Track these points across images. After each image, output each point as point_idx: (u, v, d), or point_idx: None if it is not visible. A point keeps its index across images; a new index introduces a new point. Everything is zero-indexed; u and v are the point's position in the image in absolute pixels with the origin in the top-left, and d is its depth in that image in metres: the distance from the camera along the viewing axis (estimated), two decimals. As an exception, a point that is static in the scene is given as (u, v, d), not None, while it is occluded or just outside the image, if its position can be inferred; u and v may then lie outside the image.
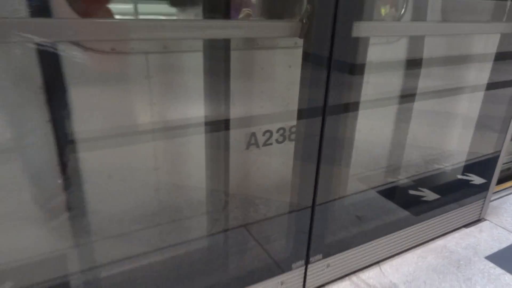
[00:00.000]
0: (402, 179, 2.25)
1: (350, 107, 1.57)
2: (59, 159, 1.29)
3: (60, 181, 1.35)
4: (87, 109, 1.34)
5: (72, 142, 1.33)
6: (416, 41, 1.91)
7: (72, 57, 1.22)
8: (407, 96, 2.09)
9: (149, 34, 1.06)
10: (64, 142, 1.30)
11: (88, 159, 1.39)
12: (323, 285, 1.61)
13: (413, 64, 1.97)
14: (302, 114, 1.32)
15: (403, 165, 2.28)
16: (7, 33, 0.89)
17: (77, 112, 1.30)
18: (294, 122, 1.45)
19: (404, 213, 1.91)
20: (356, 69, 1.52)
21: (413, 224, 1.86)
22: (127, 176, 1.58)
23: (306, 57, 1.22)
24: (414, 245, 1.89)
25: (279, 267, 1.47)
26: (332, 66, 1.22)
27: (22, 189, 1.35)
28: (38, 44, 1.10)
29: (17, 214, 1.36)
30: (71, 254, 1.47)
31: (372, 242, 1.72)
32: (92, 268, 1.47)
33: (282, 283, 1.47)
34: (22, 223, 1.38)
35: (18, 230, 1.37)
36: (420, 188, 2.09)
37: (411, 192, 2.08)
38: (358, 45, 1.40)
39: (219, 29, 1.15)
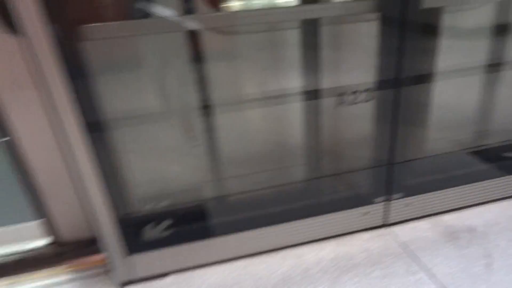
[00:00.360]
0: (496, 142, 2.31)
1: (425, 73, 1.79)
2: (202, 114, 1.84)
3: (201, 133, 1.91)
4: (216, 78, 1.84)
5: (208, 103, 1.85)
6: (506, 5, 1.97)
7: (207, 39, 1.72)
8: (499, 64, 2.14)
9: (261, 20, 1.51)
10: (204, 102, 1.84)
11: (218, 118, 1.90)
12: (403, 221, 1.90)
13: (503, 29, 2.04)
14: (380, 78, 1.62)
15: (496, 130, 2.33)
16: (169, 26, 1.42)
17: (211, 80, 1.82)
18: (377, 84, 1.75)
19: (491, 166, 2.03)
20: (429, 37, 1.74)
21: (500, 177, 1.98)
22: (244, 133, 2.07)
23: (382, 28, 1.52)
24: (499, 197, 2.02)
25: (363, 200, 1.81)
26: (405, 35, 1.50)
27: (175, 139, 1.95)
28: (188, 31, 1.63)
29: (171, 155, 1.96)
30: (205, 185, 2.03)
31: (455, 188, 1.92)
32: (220, 197, 2.01)
33: (365, 213, 1.82)
34: (174, 164, 1.99)
35: (173, 166, 1.97)
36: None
37: (504, 153, 2.16)
38: (430, 14, 1.63)
39: (312, 11, 1.53)
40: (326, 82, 1.91)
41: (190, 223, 1.79)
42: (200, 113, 1.88)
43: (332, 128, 2.03)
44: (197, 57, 1.76)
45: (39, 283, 1.75)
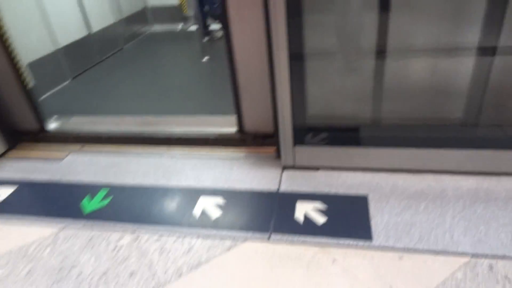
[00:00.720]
0: None
1: None
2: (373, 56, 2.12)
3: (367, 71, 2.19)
4: (396, 25, 2.07)
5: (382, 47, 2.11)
6: None
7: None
8: None
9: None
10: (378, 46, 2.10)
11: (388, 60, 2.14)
12: None
13: None
14: None
15: None
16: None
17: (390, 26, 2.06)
18: None
19: None
20: None
21: None
22: (409, 78, 2.25)
23: None
24: None
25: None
26: None
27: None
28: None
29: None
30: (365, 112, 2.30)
31: None
32: (376, 123, 2.26)
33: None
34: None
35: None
36: None
37: None
38: None
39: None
40: (507, 36, 1.93)
41: (345, 133, 2.13)
42: (371, 55, 2.16)
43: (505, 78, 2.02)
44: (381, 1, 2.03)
45: (227, 154, 2.39)
